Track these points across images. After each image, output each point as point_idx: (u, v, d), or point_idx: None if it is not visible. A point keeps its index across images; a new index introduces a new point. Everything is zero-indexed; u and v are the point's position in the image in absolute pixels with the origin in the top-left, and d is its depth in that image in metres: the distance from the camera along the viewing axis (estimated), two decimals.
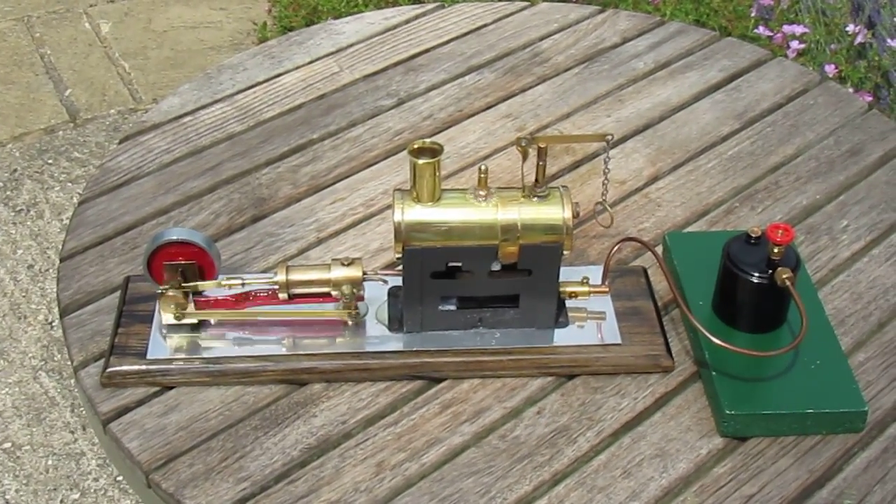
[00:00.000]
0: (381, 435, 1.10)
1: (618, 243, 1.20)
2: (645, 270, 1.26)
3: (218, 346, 1.17)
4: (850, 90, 2.15)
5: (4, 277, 2.39)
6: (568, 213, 1.11)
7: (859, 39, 2.54)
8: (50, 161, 2.71)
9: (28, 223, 2.52)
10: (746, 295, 1.15)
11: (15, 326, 2.28)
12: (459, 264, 1.14)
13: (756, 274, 1.13)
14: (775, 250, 1.11)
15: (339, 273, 1.15)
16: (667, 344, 1.17)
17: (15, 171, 2.67)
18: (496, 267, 1.14)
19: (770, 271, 1.12)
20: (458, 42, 1.68)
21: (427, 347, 1.17)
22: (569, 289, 1.19)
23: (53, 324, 2.28)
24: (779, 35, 2.55)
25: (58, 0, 3.29)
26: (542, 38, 1.69)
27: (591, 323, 1.20)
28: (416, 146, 1.10)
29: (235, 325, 1.19)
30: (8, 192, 2.61)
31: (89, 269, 1.28)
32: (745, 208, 1.37)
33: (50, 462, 2.03)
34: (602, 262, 1.21)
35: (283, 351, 1.16)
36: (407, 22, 1.72)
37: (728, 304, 1.17)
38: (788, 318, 1.17)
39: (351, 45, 1.67)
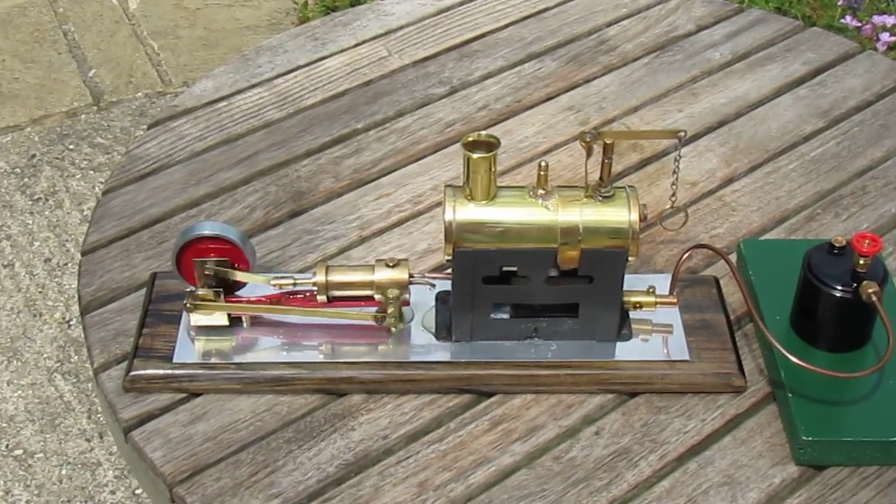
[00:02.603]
0: (424, 452, 1.11)
1: (688, 250, 1.20)
2: (717, 280, 1.25)
3: (250, 350, 1.18)
4: None
5: (20, 271, 2.41)
6: (634, 216, 1.11)
7: None
8: (71, 147, 2.74)
9: (46, 213, 2.55)
10: (828, 310, 1.14)
11: (29, 324, 2.31)
12: (514, 269, 1.14)
13: (839, 287, 1.12)
14: (861, 262, 1.11)
15: (383, 275, 1.15)
16: (739, 361, 1.17)
17: (33, 156, 2.70)
18: (554, 273, 1.14)
19: (855, 285, 1.11)
20: (518, 26, 1.68)
21: (477, 359, 1.17)
22: (633, 298, 1.18)
23: (71, 322, 2.30)
24: (868, 26, 2.53)
25: None
26: (609, 24, 1.69)
27: (657, 336, 1.19)
28: (470, 139, 1.10)
29: (269, 329, 1.20)
30: (25, 180, 2.63)
31: (113, 265, 1.30)
32: (828, 215, 1.37)
33: (64, 472, 2.05)
34: (670, 270, 1.21)
35: (321, 358, 1.17)
36: (462, 3, 1.72)
37: (807, 320, 1.17)
38: (873, 336, 1.16)
39: (401, 28, 1.67)
